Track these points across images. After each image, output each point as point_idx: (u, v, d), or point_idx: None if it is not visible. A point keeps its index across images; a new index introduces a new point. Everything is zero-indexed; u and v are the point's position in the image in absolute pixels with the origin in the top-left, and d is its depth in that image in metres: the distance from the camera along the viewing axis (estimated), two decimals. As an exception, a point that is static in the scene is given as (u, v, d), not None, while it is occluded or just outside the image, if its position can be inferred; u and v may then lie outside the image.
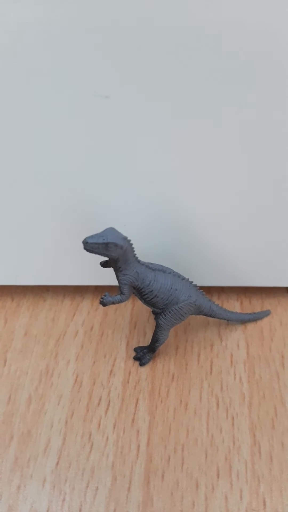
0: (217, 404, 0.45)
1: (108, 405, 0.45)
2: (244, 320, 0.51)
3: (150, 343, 0.47)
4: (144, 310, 0.53)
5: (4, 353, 0.49)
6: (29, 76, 0.41)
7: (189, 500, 0.39)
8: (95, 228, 0.44)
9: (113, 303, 0.43)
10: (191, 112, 0.42)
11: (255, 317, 0.51)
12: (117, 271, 0.43)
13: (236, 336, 0.50)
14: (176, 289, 0.44)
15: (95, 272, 0.51)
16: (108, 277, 0.50)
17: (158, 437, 0.42)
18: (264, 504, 0.38)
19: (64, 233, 0.49)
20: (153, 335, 0.47)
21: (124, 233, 0.43)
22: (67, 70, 0.41)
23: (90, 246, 0.41)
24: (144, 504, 0.38)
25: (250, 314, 0.51)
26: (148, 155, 0.45)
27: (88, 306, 0.54)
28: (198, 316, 0.52)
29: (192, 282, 0.46)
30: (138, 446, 0.42)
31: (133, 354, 0.49)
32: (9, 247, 0.50)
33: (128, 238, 0.42)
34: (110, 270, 0.49)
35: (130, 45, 0.40)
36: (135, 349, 0.49)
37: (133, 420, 0.44)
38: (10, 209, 0.48)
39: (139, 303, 0.54)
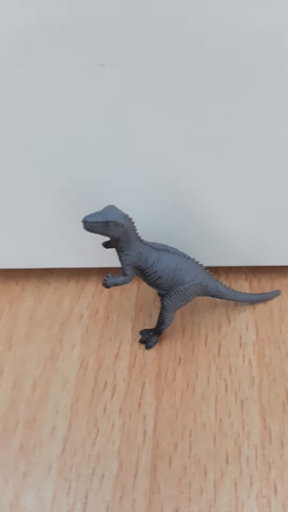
0: (226, 388, 0.44)
1: (114, 389, 0.44)
2: (253, 300, 0.50)
3: (156, 325, 0.46)
4: (149, 292, 0.52)
5: (8, 338, 0.49)
6: (24, 54, 0.40)
7: (197, 487, 0.38)
8: (98, 208, 0.43)
9: (116, 284, 0.42)
10: (192, 90, 0.41)
11: (264, 298, 0.50)
12: (119, 252, 0.42)
13: (245, 317, 0.49)
14: (181, 270, 0.43)
15: (99, 254, 0.50)
16: (113, 258, 0.49)
17: (165, 422, 0.42)
18: (275, 491, 0.37)
19: (66, 215, 0.48)
20: (158, 317, 0.46)
21: (127, 212, 0.42)
22: (63, 41, 0.39)
23: (89, 225, 0.40)
24: (151, 491, 0.38)
25: (259, 294, 0.50)
26: (150, 133, 0.43)
27: (92, 289, 0.53)
28: (205, 297, 0.51)
29: (198, 262, 0.45)
30: (145, 432, 0.41)
31: (139, 337, 0.48)
32: (13, 230, 0.50)
33: (130, 216, 0.41)
34: (114, 251, 0.48)
35: (129, 16, 0.38)
36: (140, 332, 0.48)
37: (139, 405, 0.43)
38: (13, 192, 0.47)
39: (144, 285, 0.53)
